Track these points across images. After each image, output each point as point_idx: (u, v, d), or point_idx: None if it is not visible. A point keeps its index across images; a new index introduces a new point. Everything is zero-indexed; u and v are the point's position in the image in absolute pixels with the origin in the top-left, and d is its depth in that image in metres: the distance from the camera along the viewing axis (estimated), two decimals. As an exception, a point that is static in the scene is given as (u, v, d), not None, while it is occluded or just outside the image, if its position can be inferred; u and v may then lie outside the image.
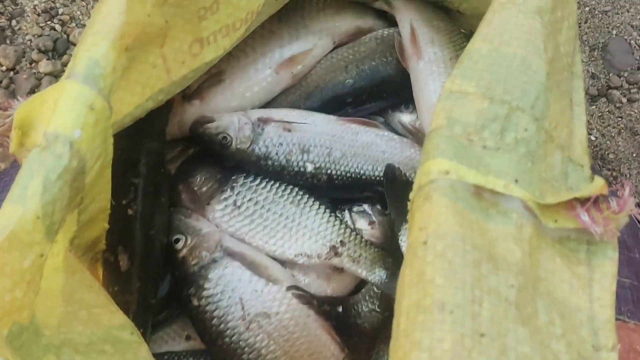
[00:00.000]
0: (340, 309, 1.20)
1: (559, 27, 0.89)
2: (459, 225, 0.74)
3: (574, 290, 0.78)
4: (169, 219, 1.20)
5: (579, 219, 0.77)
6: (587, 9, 2.19)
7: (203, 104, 1.27)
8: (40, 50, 1.54)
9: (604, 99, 2.05)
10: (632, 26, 2.16)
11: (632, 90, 2.04)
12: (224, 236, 1.20)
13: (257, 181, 1.25)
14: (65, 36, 1.56)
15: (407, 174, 1.28)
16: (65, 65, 1.56)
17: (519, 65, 0.82)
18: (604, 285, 0.79)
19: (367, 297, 1.22)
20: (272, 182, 1.25)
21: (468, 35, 1.29)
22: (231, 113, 1.25)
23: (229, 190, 1.23)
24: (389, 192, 1.24)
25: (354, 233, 1.22)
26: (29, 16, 1.55)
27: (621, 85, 2.05)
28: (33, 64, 1.55)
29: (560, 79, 0.87)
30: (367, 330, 1.20)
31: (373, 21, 1.39)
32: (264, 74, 1.29)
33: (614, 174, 1.98)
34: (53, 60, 1.55)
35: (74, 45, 1.57)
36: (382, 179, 1.26)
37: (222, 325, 1.13)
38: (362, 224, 1.27)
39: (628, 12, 2.17)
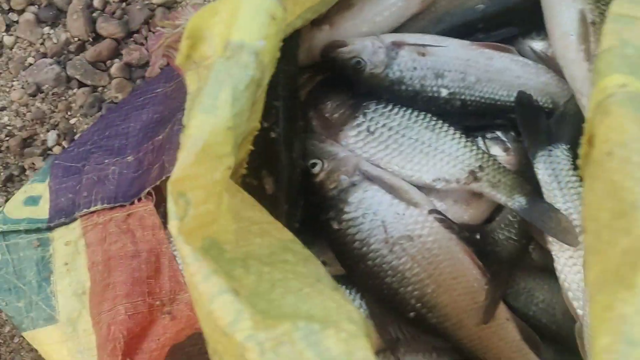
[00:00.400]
0: (478, 236, 1.19)
1: None
2: None
3: None
4: (304, 144, 1.20)
5: None
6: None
7: (332, 29, 1.25)
8: (153, -19, 1.54)
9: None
10: None
11: None
12: (361, 160, 1.19)
13: (389, 107, 1.23)
14: (178, -34, 1.56)
15: (543, 100, 1.26)
16: (177, -5, 1.55)
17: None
18: None
19: (502, 226, 1.21)
20: (404, 108, 1.23)
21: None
22: (364, 37, 1.23)
23: (361, 116, 1.22)
24: (522, 120, 1.22)
25: (492, 159, 1.20)
26: (141, -54, 1.54)
27: None
28: (145, -5, 1.55)
29: None
30: (505, 258, 1.19)
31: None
32: (394, -1, 1.26)
33: None
34: (164, -10, 1.55)
35: (186, -25, 1.56)
36: (524, 96, 1.24)
37: (364, 249, 1.12)
38: (496, 150, 1.25)
39: None
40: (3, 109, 1.49)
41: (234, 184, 0.92)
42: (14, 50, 1.53)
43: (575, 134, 1.20)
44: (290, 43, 1.17)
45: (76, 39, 1.52)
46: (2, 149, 1.46)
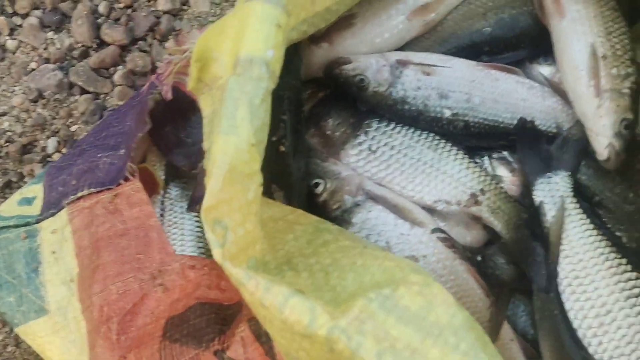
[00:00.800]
0: (479, 258, 1.19)
1: None
2: None
3: None
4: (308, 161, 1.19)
5: None
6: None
7: (331, 47, 1.24)
8: (159, -12, 1.54)
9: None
10: None
11: None
12: (364, 179, 1.18)
13: (392, 126, 1.23)
14: (183, -26, 1.55)
15: (547, 125, 1.25)
16: (183, 3, 1.55)
17: None
18: None
19: (504, 250, 1.21)
20: (406, 127, 1.23)
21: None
22: (368, 55, 1.23)
23: (362, 134, 1.21)
24: (522, 146, 1.23)
25: (494, 182, 1.21)
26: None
27: None
28: (151, 2, 1.54)
29: None
30: (505, 281, 1.19)
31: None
32: (396, 20, 1.25)
33: None
34: (171, -2, 1.54)
35: (193, -18, 1.55)
36: (525, 122, 1.24)
37: (369, 272, 1.12)
38: (502, 170, 1.25)
39: None
40: (4, 114, 1.48)
41: None
42: (16, 54, 1.52)
43: (577, 160, 1.20)
44: (295, 57, 1.17)
45: (80, 44, 1.51)
46: (2, 154, 1.45)
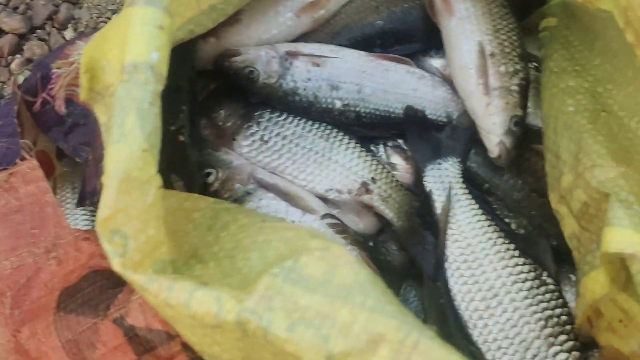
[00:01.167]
0: (371, 244, 1.21)
1: None
2: None
3: None
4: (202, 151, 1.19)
5: None
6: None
7: (218, 42, 1.24)
8: (58, -23, 1.52)
9: None
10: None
11: None
12: (255, 168, 1.19)
13: (284, 116, 1.24)
14: (83, -37, 1.54)
15: (438, 113, 1.28)
16: (83, -9, 1.53)
17: None
18: None
19: (396, 236, 1.23)
20: (299, 117, 1.24)
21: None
22: (257, 47, 1.23)
23: (255, 125, 1.22)
24: (411, 134, 1.25)
25: (386, 171, 1.22)
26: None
27: None
28: (51, -10, 1.53)
29: None
30: (397, 267, 1.21)
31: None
32: (284, 17, 1.26)
33: None
34: (71, -14, 1.53)
35: (91, -28, 1.54)
36: (414, 111, 1.26)
37: (260, 259, 1.13)
38: (396, 159, 1.26)
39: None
40: None
41: None
42: None
43: (466, 148, 1.22)
44: (190, 50, 1.17)
45: (-23, 32, 1.49)
46: None
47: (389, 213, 1.20)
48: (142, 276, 0.74)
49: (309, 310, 0.74)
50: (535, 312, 1.08)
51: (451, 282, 1.12)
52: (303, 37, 1.30)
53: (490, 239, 1.14)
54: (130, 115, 0.75)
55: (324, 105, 1.23)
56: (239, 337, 0.75)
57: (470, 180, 1.24)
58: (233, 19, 1.20)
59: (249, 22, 1.25)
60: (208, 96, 1.27)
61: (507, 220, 1.23)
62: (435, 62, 1.32)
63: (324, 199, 1.20)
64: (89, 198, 1.07)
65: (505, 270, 1.11)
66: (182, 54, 1.10)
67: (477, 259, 1.12)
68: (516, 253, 1.13)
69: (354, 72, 1.24)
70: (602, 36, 1.08)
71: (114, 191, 0.73)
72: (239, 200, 1.15)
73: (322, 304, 0.74)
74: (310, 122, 1.24)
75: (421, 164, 1.21)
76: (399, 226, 1.19)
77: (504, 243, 1.13)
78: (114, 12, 1.54)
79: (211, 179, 1.16)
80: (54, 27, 1.51)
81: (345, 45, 1.29)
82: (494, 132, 1.19)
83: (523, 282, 1.10)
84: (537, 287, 1.09)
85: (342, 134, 1.23)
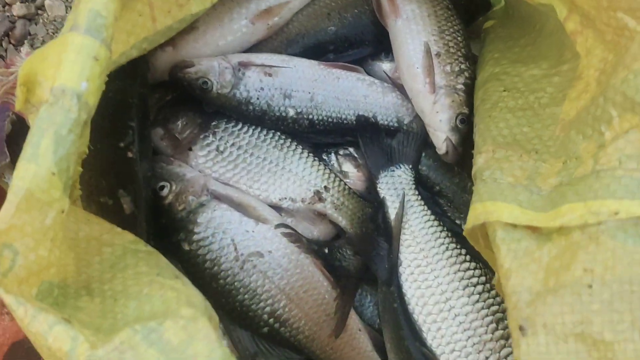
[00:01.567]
0: (326, 251, 1.23)
1: None
2: (628, 265, 0.76)
3: None
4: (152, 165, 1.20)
5: None
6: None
7: (175, 51, 1.25)
8: (13, -7, 1.52)
9: None
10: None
11: None
12: (209, 180, 1.20)
13: (239, 126, 1.25)
14: (38, -21, 1.54)
15: (389, 119, 1.30)
16: (39, 8, 1.54)
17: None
18: None
19: (350, 242, 1.24)
20: (254, 127, 1.26)
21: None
22: (211, 57, 1.24)
23: (211, 135, 1.23)
24: (364, 143, 1.27)
25: (338, 179, 1.24)
26: (1, -41, 1.52)
27: None
28: (6, 7, 1.52)
29: None
30: (352, 272, 1.22)
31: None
32: (239, 24, 1.27)
33: None
34: (27, 3, 1.53)
35: (47, -12, 1.54)
36: (366, 120, 1.29)
37: (215, 268, 1.15)
38: (348, 166, 1.29)
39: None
40: None
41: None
42: None
43: (418, 154, 1.24)
44: (141, 65, 1.18)
45: None
46: None
47: (342, 220, 1.22)
48: (12, 298, 0.75)
49: None
50: (486, 315, 1.10)
51: (405, 287, 1.15)
52: (259, 44, 1.32)
53: (442, 244, 1.16)
54: (47, 137, 0.75)
55: (277, 114, 1.25)
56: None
57: (422, 183, 1.27)
58: (189, 27, 1.21)
59: (205, 30, 1.26)
60: (164, 107, 1.28)
61: (458, 221, 1.25)
62: (385, 66, 1.35)
63: (278, 208, 1.22)
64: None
65: (457, 275, 1.13)
66: (134, 70, 1.12)
67: (430, 264, 1.14)
68: (467, 258, 1.15)
69: (306, 81, 1.26)
70: (539, 28, 1.11)
71: (12, 207, 0.74)
72: (193, 212, 1.16)
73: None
74: (264, 132, 1.25)
75: (374, 172, 1.23)
76: (352, 233, 1.21)
77: (455, 248, 1.16)
78: (70, 28, 1.54)
79: (165, 192, 1.17)
80: (10, 43, 1.51)
81: (300, 52, 1.31)
82: (441, 129, 1.22)
83: (474, 286, 1.12)
84: (488, 291, 1.12)
85: (295, 143, 1.26)
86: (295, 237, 1.18)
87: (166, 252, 1.16)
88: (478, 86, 1.17)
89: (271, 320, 1.16)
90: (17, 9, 1.51)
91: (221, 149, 1.22)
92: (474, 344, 1.09)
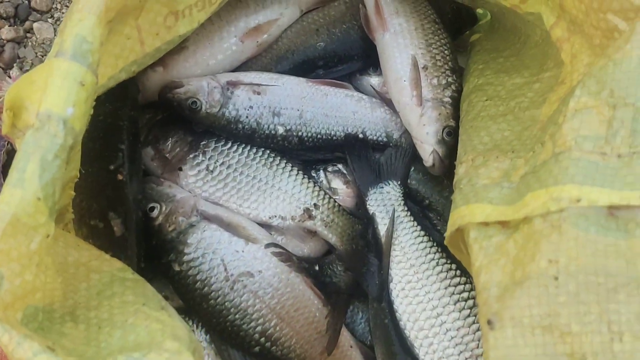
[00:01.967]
0: (316, 268, 1.23)
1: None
2: (592, 255, 0.76)
3: None
4: (142, 186, 1.21)
5: None
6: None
7: (166, 71, 1.26)
8: (1, 17, 1.52)
9: None
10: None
11: None
12: (198, 200, 1.21)
13: (229, 145, 1.26)
14: (26, 2, 1.54)
15: (377, 135, 1.31)
16: (27, 31, 1.54)
17: (636, 66, 0.81)
18: None
19: (341, 258, 1.24)
20: (243, 145, 1.26)
21: (433, 3, 1.30)
22: (200, 77, 1.25)
23: (201, 155, 1.24)
24: (353, 161, 1.27)
25: (327, 196, 1.25)
26: (-14, -17, 1.52)
27: None
28: (-6, 30, 1.53)
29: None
30: (343, 288, 1.23)
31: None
32: (228, 43, 1.28)
33: None
34: (15, 26, 1.53)
35: (36, 11, 1.55)
36: (354, 138, 1.29)
37: (206, 288, 1.15)
38: (337, 183, 1.29)
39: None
40: None
41: (55, 228, 0.94)
42: None
43: (406, 169, 1.25)
44: (131, 87, 1.19)
45: None
46: None
47: (332, 237, 1.22)
48: None
49: None
50: (478, 329, 1.10)
51: (396, 303, 1.15)
52: (248, 62, 1.33)
53: (432, 259, 1.17)
54: (33, 162, 0.76)
55: (266, 132, 1.26)
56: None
57: (411, 197, 1.27)
58: (179, 47, 1.21)
59: (195, 49, 1.27)
60: (154, 127, 1.29)
61: (446, 235, 1.25)
62: (374, 80, 1.35)
63: (268, 226, 1.23)
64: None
65: (447, 290, 1.14)
66: (124, 93, 1.13)
67: (421, 279, 1.15)
68: (458, 272, 1.16)
69: (294, 98, 1.27)
70: (523, 40, 1.12)
71: None
72: (183, 232, 1.17)
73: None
74: (254, 150, 1.26)
75: (363, 188, 1.24)
76: (342, 250, 1.22)
77: (445, 263, 1.16)
78: (59, 51, 1.54)
79: (155, 213, 1.18)
80: (-1, 67, 1.51)
81: (290, 69, 1.32)
82: (428, 142, 1.22)
83: (465, 300, 1.13)
84: (479, 305, 1.12)
85: (285, 161, 1.26)
86: (285, 256, 1.18)
87: (157, 273, 1.19)
88: (463, 98, 1.18)
89: (262, 339, 1.16)
90: (6, 33, 1.52)
91: (211, 168, 1.23)
92: (466, 358, 1.09)
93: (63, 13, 1.55)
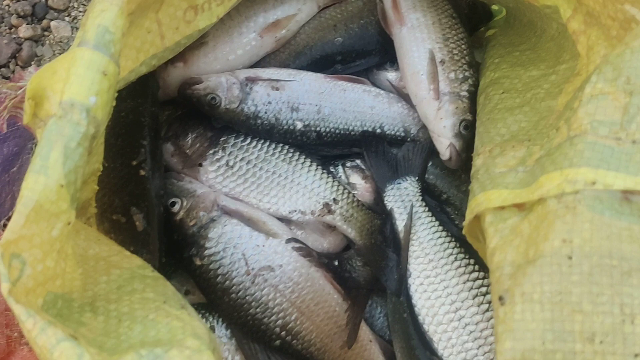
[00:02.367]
0: (336, 263, 1.23)
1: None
2: (606, 238, 0.76)
3: None
4: (164, 181, 1.22)
5: None
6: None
7: (186, 66, 1.27)
8: (19, 15, 1.53)
9: None
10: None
11: None
12: (219, 195, 1.22)
13: (248, 140, 1.27)
14: (43, 0, 1.55)
15: (395, 129, 1.31)
16: (45, 30, 1.55)
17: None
18: None
19: (360, 253, 1.24)
20: (262, 141, 1.27)
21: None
22: (219, 73, 1.26)
23: (220, 151, 1.25)
24: (370, 157, 1.28)
25: (347, 191, 1.25)
26: (5, -19, 1.54)
27: None
28: (13, 29, 1.54)
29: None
30: (362, 283, 1.23)
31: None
32: (247, 38, 1.29)
33: None
34: (33, 24, 1.54)
35: (53, 9, 1.56)
36: (371, 134, 1.30)
37: (227, 282, 1.15)
38: (356, 178, 1.29)
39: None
40: None
41: (77, 221, 0.94)
42: None
43: (424, 164, 1.25)
44: (152, 84, 1.20)
45: (-59, 71, 1.51)
46: None
47: (351, 232, 1.22)
48: (21, 307, 0.75)
49: None
50: (497, 324, 1.10)
51: (415, 297, 1.15)
52: (267, 57, 1.34)
53: (450, 254, 1.17)
54: (56, 150, 0.76)
55: (285, 127, 1.26)
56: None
57: (429, 192, 1.28)
58: (199, 42, 1.23)
59: (214, 45, 1.28)
60: (174, 123, 1.29)
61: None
62: (391, 75, 1.36)
63: (288, 221, 1.23)
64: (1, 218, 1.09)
65: (466, 285, 1.14)
66: (145, 89, 1.14)
67: (439, 274, 1.15)
68: (476, 267, 1.16)
69: (313, 94, 1.27)
70: (539, 34, 1.13)
71: (22, 217, 0.75)
72: (204, 227, 1.17)
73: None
74: (273, 146, 1.27)
75: (381, 184, 1.24)
76: (361, 244, 1.22)
77: (464, 258, 1.17)
78: (77, 48, 1.56)
79: (176, 208, 1.18)
80: (17, 64, 1.52)
81: (308, 63, 1.33)
82: (445, 135, 1.22)
83: (484, 295, 1.13)
84: (498, 300, 1.12)
85: (303, 156, 1.27)
86: (305, 251, 1.19)
87: (178, 267, 1.19)
88: (480, 92, 1.18)
89: (283, 333, 1.17)
90: (24, 31, 1.53)
91: (231, 163, 1.24)
92: (485, 352, 1.09)
93: (80, 11, 1.57)
